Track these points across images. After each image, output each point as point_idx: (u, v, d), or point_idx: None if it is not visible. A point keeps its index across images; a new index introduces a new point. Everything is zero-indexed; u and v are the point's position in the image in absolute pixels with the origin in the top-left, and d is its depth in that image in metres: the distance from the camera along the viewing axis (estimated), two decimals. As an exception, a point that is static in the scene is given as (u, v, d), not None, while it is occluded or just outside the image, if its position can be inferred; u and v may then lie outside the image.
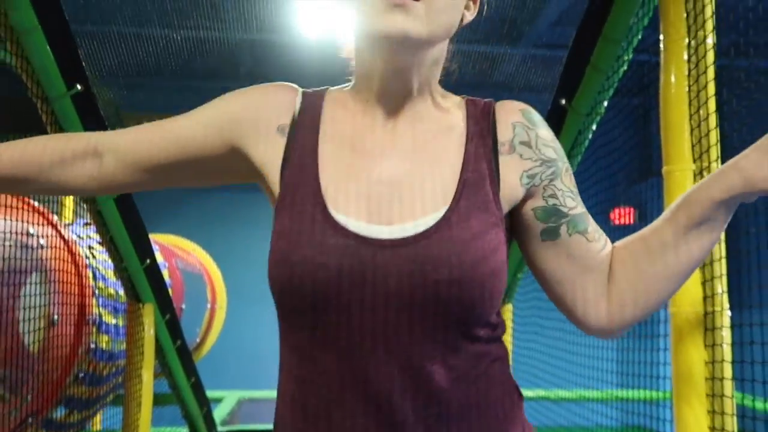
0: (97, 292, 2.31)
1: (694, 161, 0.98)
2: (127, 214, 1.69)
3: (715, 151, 0.97)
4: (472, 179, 0.76)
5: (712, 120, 0.98)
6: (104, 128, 1.41)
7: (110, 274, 2.52)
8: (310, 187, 0.75)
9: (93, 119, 1.47)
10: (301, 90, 0.84)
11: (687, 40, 0.98)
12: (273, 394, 0.81)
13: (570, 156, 1.45)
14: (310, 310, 0.73)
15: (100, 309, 2.25)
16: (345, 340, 0.72)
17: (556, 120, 1.40)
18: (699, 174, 0.98)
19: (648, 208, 5.55)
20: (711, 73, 0.99)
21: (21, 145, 0.82)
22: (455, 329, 0.73)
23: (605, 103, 1.37)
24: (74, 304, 1.96)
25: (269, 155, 0.80)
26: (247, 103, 0.82)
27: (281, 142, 0.79)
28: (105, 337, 2.34)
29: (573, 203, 0.80)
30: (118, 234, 1.71)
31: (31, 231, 1.82)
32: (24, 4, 1.23)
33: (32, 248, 1.81)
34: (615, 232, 0.87)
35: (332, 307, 0.72)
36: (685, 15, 0.98)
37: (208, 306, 4.18)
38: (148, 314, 2.01)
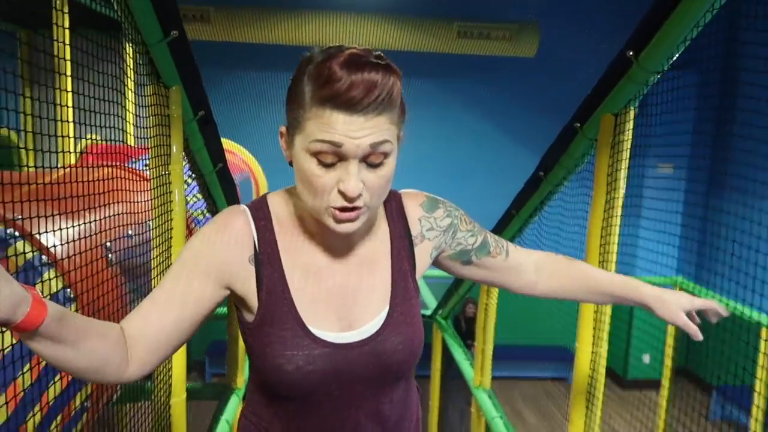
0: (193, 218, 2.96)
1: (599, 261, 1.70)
2: (224, 183, 2.11)
3: (613, 248, 1.68)
4: (399, 279, 1.00)
5: (614, 240, 1.69)
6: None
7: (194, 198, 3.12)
8: (287, 308, 0.93)
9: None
10: (248, 211, 0.96)
11: (606, 197, 1.65)
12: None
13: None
14: (300, 397, 0.96)
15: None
16: (326, 407, 0.98)
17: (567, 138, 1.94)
18: (600, 263, 1.69)
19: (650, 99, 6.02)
20: (618, 210, 1.66)
21: (95, 326, 0.84)
22: (398, 380, 1.03)
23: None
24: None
25: (247, 284, 0.94)
26: (217, 250, 0.92)
27: (252, 270, 0.94)
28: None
29: (473, 239, 1.08)
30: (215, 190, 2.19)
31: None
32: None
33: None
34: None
35: (318, 394, 0.96)
36: (605, 181, 1.65)
37: (255, 203, 4.91)
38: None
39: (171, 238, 1.61)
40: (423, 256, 1.04)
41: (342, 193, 0.85)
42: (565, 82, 6.12)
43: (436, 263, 1.10)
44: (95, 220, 1.44)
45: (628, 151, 1.59)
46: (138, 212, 1.64)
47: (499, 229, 2.51)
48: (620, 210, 1.64)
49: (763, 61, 1.54)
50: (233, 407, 2.62)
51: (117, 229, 1.63)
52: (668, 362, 4.52)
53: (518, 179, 2.32)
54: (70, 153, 2.42)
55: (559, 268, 1.16)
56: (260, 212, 0.97)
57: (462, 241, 1.07)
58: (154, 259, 1.57)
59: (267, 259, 0.94)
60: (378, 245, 1.00)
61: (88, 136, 2.78)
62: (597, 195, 1.67)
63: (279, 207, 0.98)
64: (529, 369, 6.54)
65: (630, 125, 1.58)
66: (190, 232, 2.78)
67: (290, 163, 0.92)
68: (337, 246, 0.98)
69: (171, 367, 1.66)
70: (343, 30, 5.87)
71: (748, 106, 1.64)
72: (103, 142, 2.76)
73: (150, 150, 1.52)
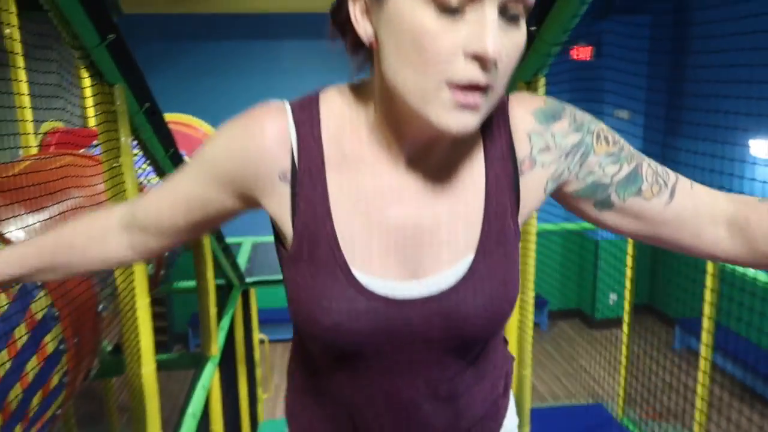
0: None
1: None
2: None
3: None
4: (495, 216, 0.72)
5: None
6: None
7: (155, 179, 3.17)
8: (327, 241, 0.70)
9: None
10: (289, 110, 0.72)
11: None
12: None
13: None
14: (344, 358, 0.75)
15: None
16: (377, 372, 0.75)
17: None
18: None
19: (604, 48, 6.18)
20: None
21: (53, 234, 0.85)
22: (474, 352, 0.78)
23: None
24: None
25: (277, 205, 0.72)
26: (240, 158, 0.71)
27: (286, 189, 0.71)
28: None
29: (615, 167, 0.72)
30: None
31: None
32: None
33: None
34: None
35: (367, 356, 0.73)
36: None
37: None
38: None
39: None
40: (532, 188, 0.74)
41: (475, 56, 0.58)
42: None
43: (562, 201, 0.77)
44: (62, 202, 1.55)
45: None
46: (100, 199, 1.77)
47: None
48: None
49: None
50: (209, 374, 2.80)
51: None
52: (627, 296, 4.80)
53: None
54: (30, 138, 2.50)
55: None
56: (306, 113, 0.72)
57: (596, 170, 0.73)
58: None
59: (307, 177, 0.71)
60: (468, 169, 0.73)
61: (48, 122, 2.88)
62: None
63: (335, 107, 0.73)
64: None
65: (542, 91, 1.73)
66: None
67: (369, 46, 0.67)
68: (413, 164, 0.71)
69: (139, 339, 1.81)
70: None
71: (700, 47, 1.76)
72: (62, 125, 2.85)
73: (101, 145, 1.64)
